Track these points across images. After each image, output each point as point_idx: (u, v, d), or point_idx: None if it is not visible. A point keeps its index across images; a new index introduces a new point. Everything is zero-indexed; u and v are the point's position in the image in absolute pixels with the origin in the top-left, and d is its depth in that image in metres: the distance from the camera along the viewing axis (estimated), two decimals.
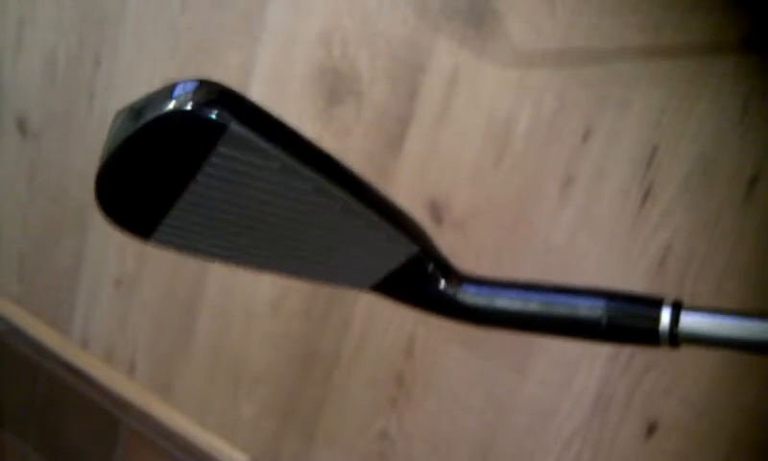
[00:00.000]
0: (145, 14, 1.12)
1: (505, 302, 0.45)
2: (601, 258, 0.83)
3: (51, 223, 1.26)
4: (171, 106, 0.33)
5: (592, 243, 0.83)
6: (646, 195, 0.80)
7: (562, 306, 0.43)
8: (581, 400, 0.86)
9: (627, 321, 0.42)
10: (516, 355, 0.89)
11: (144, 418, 1.19)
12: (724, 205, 0.77)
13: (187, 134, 0.34)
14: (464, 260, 0.90)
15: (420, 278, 0.45)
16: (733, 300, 0.77)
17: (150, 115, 0.33)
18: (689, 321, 0.41)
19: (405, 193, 0.93)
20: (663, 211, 0.79)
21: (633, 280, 0.82)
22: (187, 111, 0.32)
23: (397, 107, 0.92)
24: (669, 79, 0.78)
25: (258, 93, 1.02)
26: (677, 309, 0.41)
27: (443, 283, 0.45)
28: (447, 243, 0.91)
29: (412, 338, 0.95)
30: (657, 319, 0.41)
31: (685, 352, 0.79)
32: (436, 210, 0.92)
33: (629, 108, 0.80)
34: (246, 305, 1.08)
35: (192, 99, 0.32)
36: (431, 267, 0.45)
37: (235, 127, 0.34)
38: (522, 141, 0.86)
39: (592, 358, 0.85)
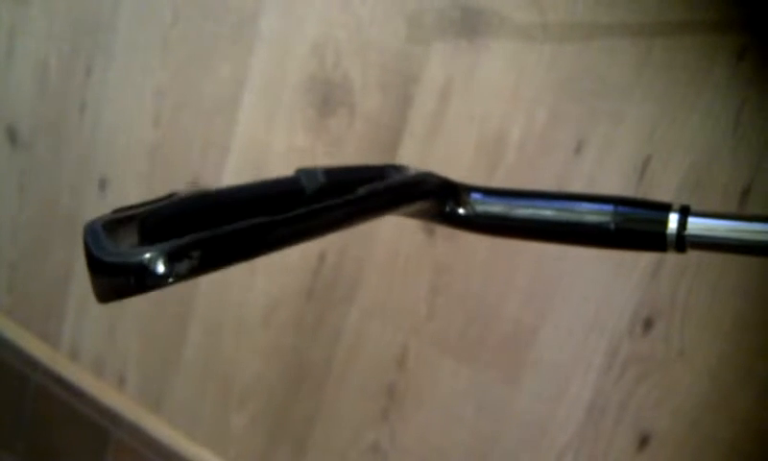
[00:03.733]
0: (137, 25, 1.12)
1: (519, 211, 0.46)
2: (594, 269, 0.83)
3: (41, 233, 1.25)
4: (130, 265, 0.30)
5: (585, 254, 0.83)
6: None
7: (571, 212, 0.44)
8: (573, 413, 0.85)
9: (635, 225, 0.42)
10: (509, 367, 0.89)
11: (134, 430, 1.18)
12: None
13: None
14: (456, 271, 0.90)
15: (439, 212, 0.47)
16: (727, 310, 0.77)
17: (113, 265, 0.31)
18: (696, 225, 0.41)
19: None
20: None
21: (626, 292, 0.81)
22: (151, 272, 0.30)
23: (390, 117, 0.92)
24: (662, 91, 0.78)
25: (250, 104, 1.02)
26: (684, 213, 0.41)
27: (460, 211, 0.47)
28: (439, 255, 0.91)
29: (404, 349, 0.95)
30: (664, 223, 0.41)
31: (677, 363, 0.79)
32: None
33: (621, 120, 0.80)
34: (236, 317, 1.07)
35: (156, 262, 0.30)
36: (445, 207, 0.47)
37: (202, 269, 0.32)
38: (515, 153, 0.86)
39: (585, 370, 0.84)
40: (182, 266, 0.30)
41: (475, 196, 0.47)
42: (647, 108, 0.79)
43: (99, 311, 1.21)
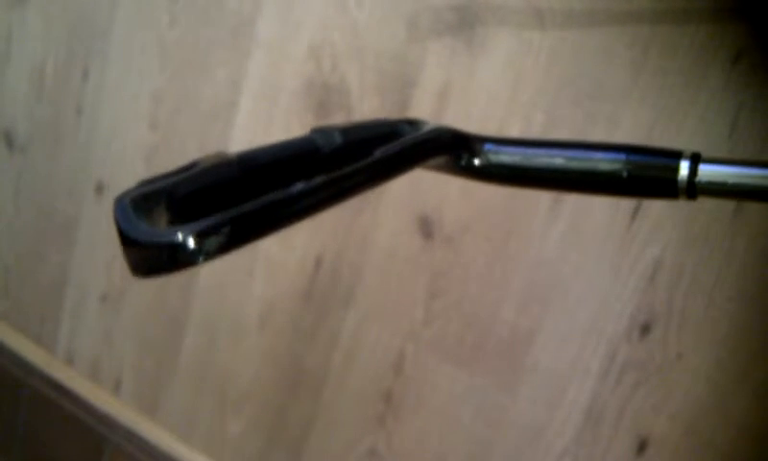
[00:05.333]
0: (133, 29, 1.11)
1: (533, 160, 0.46)
2: (591, 274, 0.83)
3: (37, 237, 1.25)
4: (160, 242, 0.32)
5: (582, 258, 0.83)
6: (636, 210, 0.80)
7: (584, 161, 0.45)
8: (571, 418, 0.85)
9: (647, 172, 0.43)
10: (506, 372, 0.88)
11: (129, 435, 1.17)
12: (713, 220, 0.77)
13: None
14: (454, 276, 0.90)
15: (454, 165, 0.48)
16: (724, 314, 0.77)
17: (144, 244, 0.32)
18: (707, 171, 0.42)
19: (396, 209, 0.93)
20: (653, 227, 0.79)
21: (623, 296, 0.81)
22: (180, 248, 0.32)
23: None
24: (658, 95, 0.78)
25: (248, 108, 1.02)
26: (695, 160, 0.42)
27: (475, 162, 0.48)
28: (438, 259, 0.91)
29: (401, 354, 0.94)
30: (676, 169, 0.42)
31: (675, 367, 0.79)
32: (426, 226, 0.91)
33: (618, 123, 0.80)
34: (233, 321, 1.07)
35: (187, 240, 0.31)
36: (460, 160, 0.48)
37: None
38: None
39: (582, 375, 0.84)
40: (212, 243, 0.32)
41: (489, 146, 0.47)
42: (644, 111, 0.79)
43: (95, 316, 1.20)
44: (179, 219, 0.33)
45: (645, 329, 0.81)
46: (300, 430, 1.03)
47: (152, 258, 0.32)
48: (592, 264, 0.83)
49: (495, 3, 0.85)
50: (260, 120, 1.01)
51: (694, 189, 0.42)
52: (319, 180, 0.36)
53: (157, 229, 0.32)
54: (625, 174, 0.43)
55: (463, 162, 0.47)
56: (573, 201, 0.83)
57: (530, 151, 0.47)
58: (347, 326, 0.98)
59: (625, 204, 0.80)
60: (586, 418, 0.85)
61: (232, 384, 1.08)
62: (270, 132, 1.01)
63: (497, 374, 0.89)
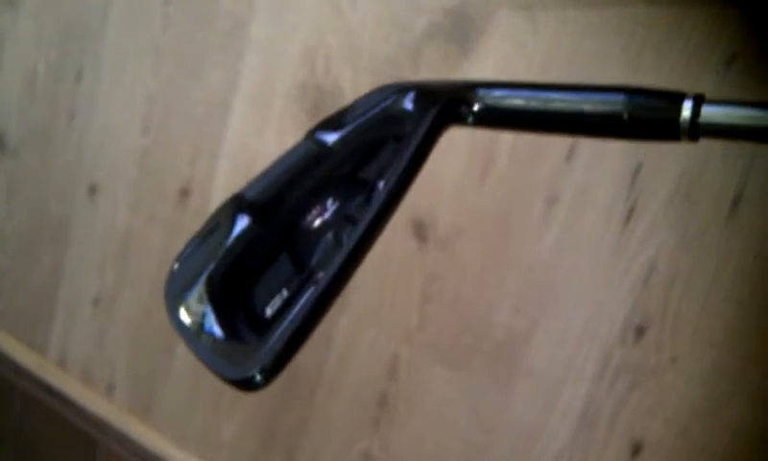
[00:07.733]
0: (127, 31, 1.11)
1: (532, 103, 0.46)
2: (585, 276, 0.83)
3: (29, 240, 1.25)
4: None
5: (577, 261, 0.83)
6: (630, 213, 0.80)
7: (583, 102, 0.44)
8: (566, 421, 0.85)
9: (648, 114, 0.42)
10: (501, 375, 0.88)
11: (122, 439, 1.17)
12: (708, 223, 0.77)
13: None
14: (448, 279, 0.90)
15: (460, 123, 0.49)
16: (719, 318, 0.77)
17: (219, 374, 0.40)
18: (710, 112, 0.40)
19: None
20: (647, 230, 0.79)
21: (617, 299, 0.81)
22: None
23: None
24: None
25: (241, 110, 1.02)
26: (698, 101, 0.41)
27: (475, 110, 0.48)
28: (432, 262, 0.91)
29: (395, 357, 0.94)
30: (678, 110, 0.41)
31: (670, 370, 0.79)
32: (420, 229, 0.91)
33: None
34: None
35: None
36: (464, 118, 0.48)
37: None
38: (506, 160, 0.85)
39: (577, 378, 0.84)
40: (267, 372, 0.39)
41: (481, 92, 0.47)
42: None
43: (87, 319, 1.20)
44: (223, 305, 0.40)
45: (640, 332, 0.81)
46: (295, 433, 1.03)
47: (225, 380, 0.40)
48: (587, 267, 0.83)
49: (489, 7, 0.85)
50: (254, 123, 1.01)
51: (696, 130, 0.41)
52: (338, 260, 0.42)
53: (225, 365, 0.40)
54: (626, 116, 0.42)
55: (469, 119, 0.47)
56: (567, 204, 0.83)
57: (528, 93, 0.46)
58: (341, 329, 0.98)
59: (620, 208, 0.80)
60: (580, 421, 0.84)
61: (226, 387, 1.07)
62: (263, 134, 1.00)
63: (492, 377, 0.89)
